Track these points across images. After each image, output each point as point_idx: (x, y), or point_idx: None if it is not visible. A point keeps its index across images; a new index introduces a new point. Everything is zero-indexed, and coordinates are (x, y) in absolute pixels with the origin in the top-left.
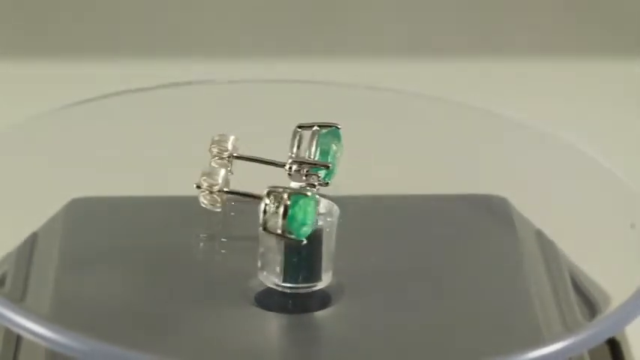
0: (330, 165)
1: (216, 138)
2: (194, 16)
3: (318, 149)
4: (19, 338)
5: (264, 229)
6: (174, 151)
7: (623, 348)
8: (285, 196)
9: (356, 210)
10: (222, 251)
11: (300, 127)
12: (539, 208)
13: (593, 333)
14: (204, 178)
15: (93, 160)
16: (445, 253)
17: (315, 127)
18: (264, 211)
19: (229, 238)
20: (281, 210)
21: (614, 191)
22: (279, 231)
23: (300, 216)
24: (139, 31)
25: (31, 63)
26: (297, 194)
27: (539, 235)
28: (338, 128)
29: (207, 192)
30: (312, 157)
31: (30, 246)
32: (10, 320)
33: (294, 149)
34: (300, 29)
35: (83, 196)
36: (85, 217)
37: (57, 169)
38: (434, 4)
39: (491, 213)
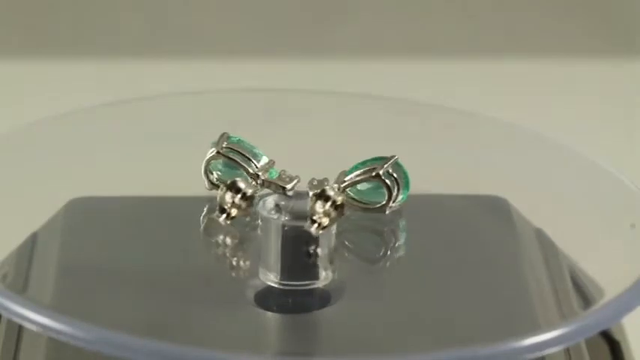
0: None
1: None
2: (194, 16)
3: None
4: (19, 337)
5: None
6: (175, 151)
7: (623, 348)
8: (390, 169)
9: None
10: (222, 250)
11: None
12: (539, 208)
13: (587, 322)
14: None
15: (93, 160)
16: (445, 252)
17: (227, 139)
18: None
19: (229, 237)
20: (395, 184)
21: (614, 191)
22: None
23: (405, 179)
24: (140, 31)
25: (32, 63)
26: (394, 164)
27: (539, 234)
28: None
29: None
30: (259, 163)
31: (30, 246)
32: (12, 311)
33: (246, 165)
34: (300, 29)
35: (83, 196)
36: (85, 217)
37: (57, 169)
38: (434, 4)
39: (491, 213)
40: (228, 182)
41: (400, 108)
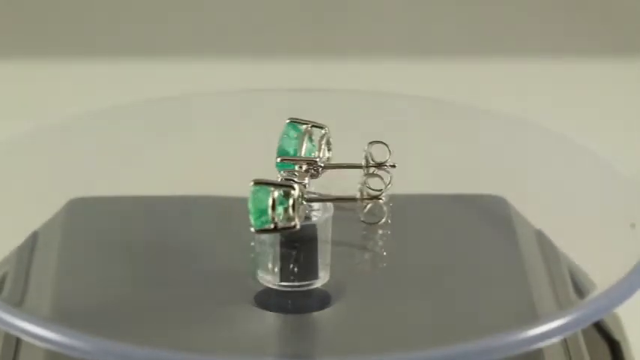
0: None
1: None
2: (194, 16)
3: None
4: (18, 339)
5: None
6: (175, 151)
7: (623, 348)
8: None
9: (356, 209)
10: (222, 251)
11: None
12: (538, 208)
13: (583, 312)
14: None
15: (93, 161)
16: (444, 252)
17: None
18: None
19: (228, 237)
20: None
21: (614, 191)
22: None
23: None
24: (139, 31)
25: (32, 63)
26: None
27: (539, 235)
28: None
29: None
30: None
31: (30, 246)
32: (10, 324)
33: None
34: (300, 29)
35: (83, 196)
36: (85, 217)
37: (57, 169)
38: (434, 4)
39: (490, 213)
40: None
41: (399, 105)
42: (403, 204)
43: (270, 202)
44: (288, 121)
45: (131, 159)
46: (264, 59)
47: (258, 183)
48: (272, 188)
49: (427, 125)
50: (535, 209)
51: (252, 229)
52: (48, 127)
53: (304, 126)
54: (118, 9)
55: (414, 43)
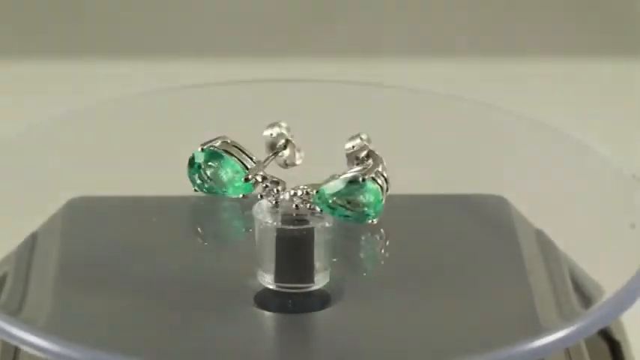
0: None
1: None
2: (194, 16)
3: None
4: None
5: None
6: (174, 151)
7: (623, 348)
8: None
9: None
10: (222, 251)
11: None
12: (539, 208)
13: (586, 322)
14: None
15: (93, 160)
16: (445, 252)
17: None
18: None
19: (228, 237)
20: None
21: (615, 191)
22: None
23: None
24: (139, 31)
25: (32, 63)
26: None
27: (539, 234)
28: None
29: None
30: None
31: (30, 246)
32: (8, 334)
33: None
34: (300, 29)
35: (83, 196)
36: (85, 217)
37: (57, 169)
38: (434, 3)
39: (490, 213)
40: None
41: (399, 103)
42: (403, 204)
43: (380, 188)
44: (199, 149)
45: (131, 159)
46: (263, 59)
47: (364, 179)
48: (372, 176)
49: (427, 125)
50: (535, 209)
51: (374, 221)
52: (47, 127)
53: (216, 147)
54: (117, 9)
55: (414, 43)
